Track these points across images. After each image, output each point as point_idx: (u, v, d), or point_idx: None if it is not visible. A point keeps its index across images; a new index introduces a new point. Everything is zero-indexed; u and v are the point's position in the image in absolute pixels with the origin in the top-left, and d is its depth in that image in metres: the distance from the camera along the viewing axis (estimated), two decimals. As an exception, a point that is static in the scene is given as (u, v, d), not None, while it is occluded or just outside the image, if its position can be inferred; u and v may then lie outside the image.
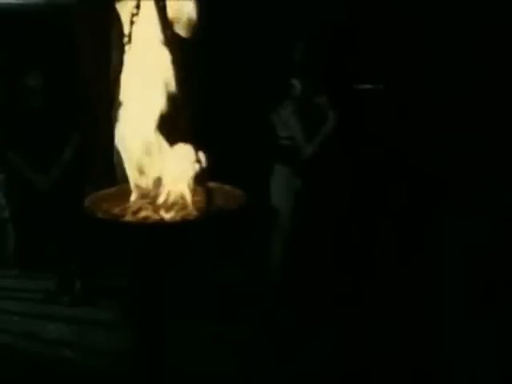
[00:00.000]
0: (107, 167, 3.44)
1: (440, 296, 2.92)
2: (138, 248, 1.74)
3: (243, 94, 4.21)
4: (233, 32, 4.18)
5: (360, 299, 3.54)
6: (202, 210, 1.81)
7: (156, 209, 1.88)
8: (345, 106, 3.73)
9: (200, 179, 1.81)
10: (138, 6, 1.72)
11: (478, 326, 2.63)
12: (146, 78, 1.84)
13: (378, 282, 3.62)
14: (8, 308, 3.83)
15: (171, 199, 1.89)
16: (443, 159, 3.19)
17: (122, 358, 2.83)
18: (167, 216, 1.84)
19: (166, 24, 1.79)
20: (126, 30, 1.77)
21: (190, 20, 1.83)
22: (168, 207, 1.87)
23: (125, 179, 2.00)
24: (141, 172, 1.92)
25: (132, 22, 1.74)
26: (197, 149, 1.83)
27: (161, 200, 1.92)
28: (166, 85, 1.85)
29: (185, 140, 1.84)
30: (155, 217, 1.84)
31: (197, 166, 1.79)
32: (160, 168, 1.92)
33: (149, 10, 1.78)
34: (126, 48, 1.79)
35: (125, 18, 1.78)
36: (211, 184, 1.89)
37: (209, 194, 1.77)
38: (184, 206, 1.89)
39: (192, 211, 1.86)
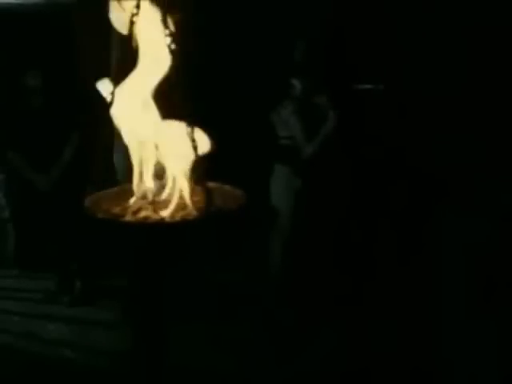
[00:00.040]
0: (107, 167, 3.44)
1: (440, 296, 2.92)
2: (137, 248, 1.74)
3: (243, 94, 4.21)
4: (233, 32, 4.18)
5: (360, 299, 3.54)
6: (202, 210, 1.81)
7: (156, 208, 1.88)
8: (345, 105, 3.73)
9: (200, 168, 1.79)
10: (137, 6, 1.72)
11: (478, 326, 2.62)
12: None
13: (378, 282, 3.62)
14: (8, 308, 3.83)
15: (172, 196, 1.90)
16: (443, 159, 3.19)
17: (122, 358, 2.82)
18: (166, 211, 1.84)
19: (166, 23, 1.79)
20: (126, 31, 1.76)
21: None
22: (167, 203, 1.88)
23: (125, 180, 2.00)
24: (143, 163, 1.92)
25: (132, 22, 1.73)
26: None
27: (163, 196, 1.93)
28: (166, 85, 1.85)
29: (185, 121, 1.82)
30: (155, 217, 1.84)
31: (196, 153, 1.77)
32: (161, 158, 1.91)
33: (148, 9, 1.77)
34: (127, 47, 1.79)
35: (120, 19, 1.77)
36: (211, 184, 1.89)
37: (209, 193, 1.76)
38: (184, 206, 1.89)
39: (192, 211, 1.86)
